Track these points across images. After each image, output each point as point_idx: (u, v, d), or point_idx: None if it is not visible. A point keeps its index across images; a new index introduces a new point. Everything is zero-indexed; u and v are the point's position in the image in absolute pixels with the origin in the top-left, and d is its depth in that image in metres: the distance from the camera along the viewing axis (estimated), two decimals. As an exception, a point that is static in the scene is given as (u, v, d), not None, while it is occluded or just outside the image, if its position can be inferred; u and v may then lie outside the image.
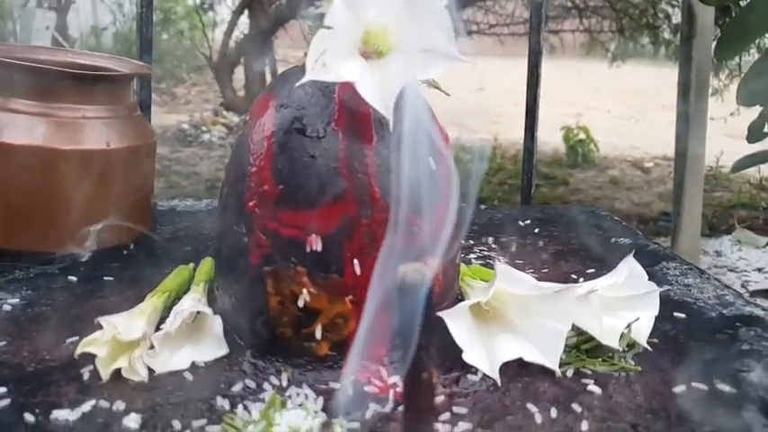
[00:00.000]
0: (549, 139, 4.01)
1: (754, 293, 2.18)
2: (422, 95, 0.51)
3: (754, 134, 1.79)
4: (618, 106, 5.71)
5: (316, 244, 0.47)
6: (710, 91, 2.88)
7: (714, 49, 1.72)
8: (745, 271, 2.53)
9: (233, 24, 4.45)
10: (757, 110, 1.69)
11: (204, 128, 4.24)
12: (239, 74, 4.65)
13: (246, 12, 4.29)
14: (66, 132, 0.67)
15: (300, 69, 0.50)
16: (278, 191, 0.48)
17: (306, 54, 0.48)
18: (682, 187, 1.95)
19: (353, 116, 0.49)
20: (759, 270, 2.53)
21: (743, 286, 2.36)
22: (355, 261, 0.47)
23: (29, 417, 0.44)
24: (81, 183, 0.68)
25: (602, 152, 4.04)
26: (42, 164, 0.66)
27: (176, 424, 0.44)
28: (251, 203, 0.49)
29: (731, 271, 2.55)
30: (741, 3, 1.65)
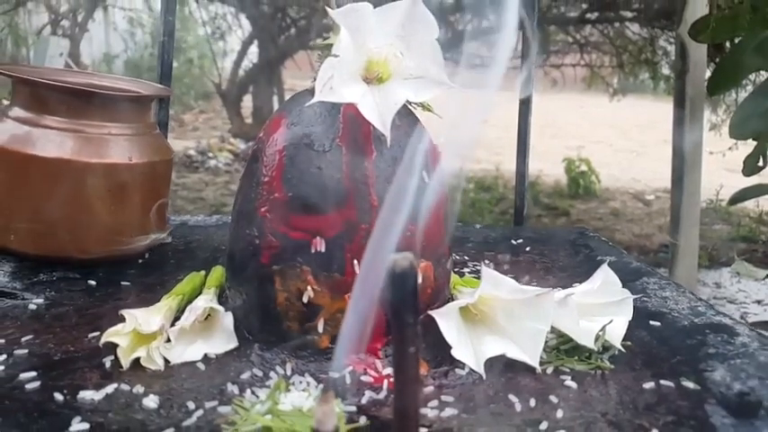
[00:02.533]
0: (551, 170, 4.07)
1: (754, 325, 2.20)
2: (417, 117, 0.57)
3: (749, 167, 1.84)
4: (620, 139, 5.78)
5: (320, 246, 0.53)
6: (708, 126, 2.93)
7: (707, 84, 1.79)
8: (745, 303, 2.55)
9: (243, 54, 4.55)
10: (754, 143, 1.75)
11: (211, 154, 4.30)
12: (247, 101, 4.74)
13: (256, 42, 4.39)
14: (93, 147, 0.73)
15: (310, 92, 0.56)
16: (287, 198, 0.54)
17: (315, 79, 0.54)
18: (678, 220, 1.99)
19: (356, 133, 0.55)
20: (758, 302, 2.56)
21: (742, 318, 2.39)
22: (355, 261, 0.53)
23: (58, 396, 0.48)
24: (105, 193, 0.73)
25: (603, 184, 4.08)
26: (71, 175, 0.72)
27: (191, 405, 0.49)
28: (263, 209, 0.55)
29: (730, 303, 2.57)
30: (734, 40, 1.72)
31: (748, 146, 1.81)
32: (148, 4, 5.15)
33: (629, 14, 3.29)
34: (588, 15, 3.57)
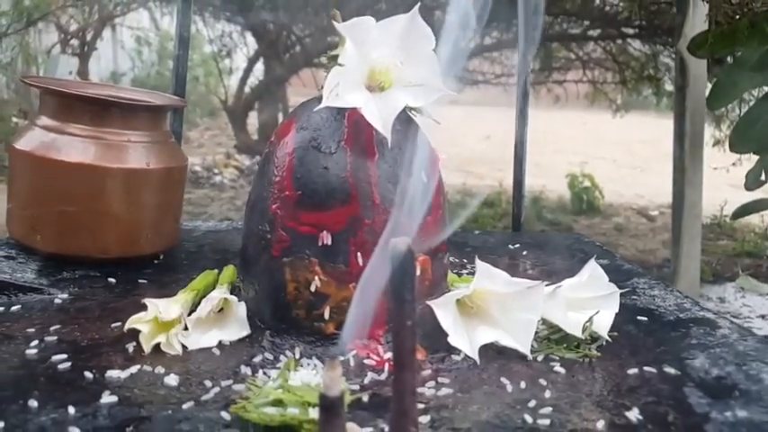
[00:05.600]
0: (555, 186, 4.10)
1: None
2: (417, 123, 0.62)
3: (751, 181, 1.88)
4: (624, 156, 5.80)
5: (326, 239, 0.58)
6: (712, 141, 2.96)
7: (707, 99, 1.82)
8: (749, 317, 2.57)
9: (248, 71, 4.62)
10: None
11: (216, 170, 4.35)
12: (253, 118, 4.80)
13: (262, 59, 4.46)
14: (113, 153, 0.78)
15: (317, 99, 0.61)
16: (297, 196, 0.59)
17: (322, 86, 0.59)
18: (680, 233, 2.02)
19: (360, 136, 0.60)
20: (762, 317, 2.57)
21: (744, 332, 2.41)
22: (359, 254, 0.57)
23: (88, 374, 0.53)
24: (124, 196, 0.78)
25: (607, 200, 4.10)
26: (92, 179, 0.77)
27: (208, 383, 0.53)
28: (274, 206, 0.60)
29: (734, 317, 2.59)
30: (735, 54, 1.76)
31: (752, 161, 1.85)
32: (155, 23, 5.23)
33: (630, 31, 3.34)
34: (590, 32, 3.62)
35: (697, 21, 1.80)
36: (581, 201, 3.97)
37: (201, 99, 6.02)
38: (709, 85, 1.91)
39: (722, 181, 3.08)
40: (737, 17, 1.62)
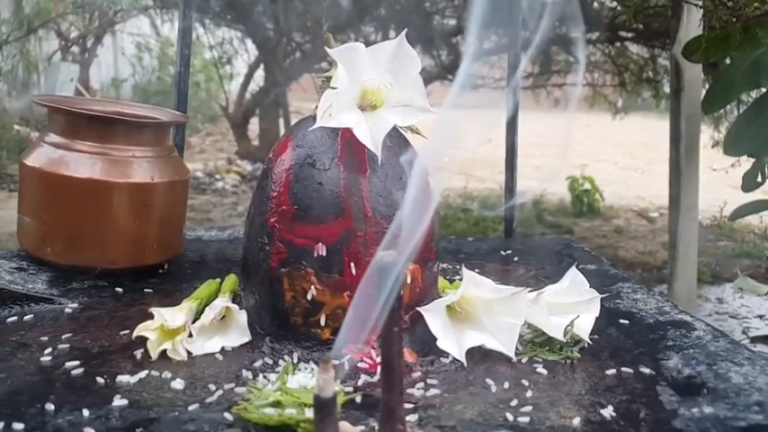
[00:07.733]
0: (556, 188, 4.13)
1: (755, 339, 2.25)
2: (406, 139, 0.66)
3: (748, 183, 1.90)
4: (624, 158, 5.82)
5: (321, 250, 0.62)
6: (711, 143, 2.99)
7: (702, 102, 1.85)
8: (747, 318, 2.59)
9: (249, 77, 4.65)
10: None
11: (218, 176, 4.38)
12: (254, 124, 4.84)
13: (262, 66, 4.49)
14: (118, 168, 0.82)
15: (312, 118, 0.65)
16: (293, 210, 0.63)
17: (316, 106, 0.63)
18: (676, 236, 2.04)
19: (352, 153, 0.63)
20: (760, 317, 2.60)
21: (744, 332, 2.43)
22: (352, 264, 0.61)
23: (100, 379, 0.57)
24: (130, 210, 0.82)
25: (607, 202, 4.11)
26: (99, 193, 0.80)
27: (212, 386, 0.57)
28: (272, 220, 0.64)
29: (732, 318, 2.61)
30: (728, 58, 1.78)
31: (750, 162, 1.87)
32: (156, 30, 5.27)
33: (628, 34, 3.37)
34: (588, 35, 3.64)
35: (691, 26, 1.82)
36: (581, 203, 3.99)
37: (202, 105, 6.05)
38: (706, 88, 1.94)
39: (721, 182, 3.10)
40: (732, 21, 1.65)
